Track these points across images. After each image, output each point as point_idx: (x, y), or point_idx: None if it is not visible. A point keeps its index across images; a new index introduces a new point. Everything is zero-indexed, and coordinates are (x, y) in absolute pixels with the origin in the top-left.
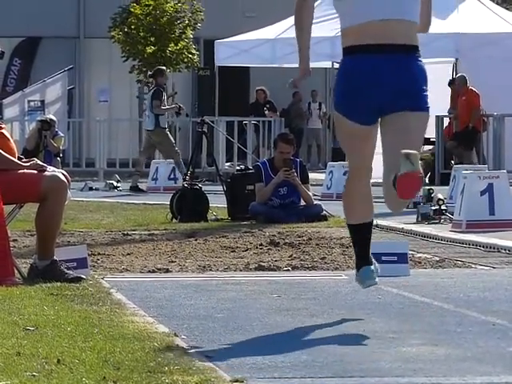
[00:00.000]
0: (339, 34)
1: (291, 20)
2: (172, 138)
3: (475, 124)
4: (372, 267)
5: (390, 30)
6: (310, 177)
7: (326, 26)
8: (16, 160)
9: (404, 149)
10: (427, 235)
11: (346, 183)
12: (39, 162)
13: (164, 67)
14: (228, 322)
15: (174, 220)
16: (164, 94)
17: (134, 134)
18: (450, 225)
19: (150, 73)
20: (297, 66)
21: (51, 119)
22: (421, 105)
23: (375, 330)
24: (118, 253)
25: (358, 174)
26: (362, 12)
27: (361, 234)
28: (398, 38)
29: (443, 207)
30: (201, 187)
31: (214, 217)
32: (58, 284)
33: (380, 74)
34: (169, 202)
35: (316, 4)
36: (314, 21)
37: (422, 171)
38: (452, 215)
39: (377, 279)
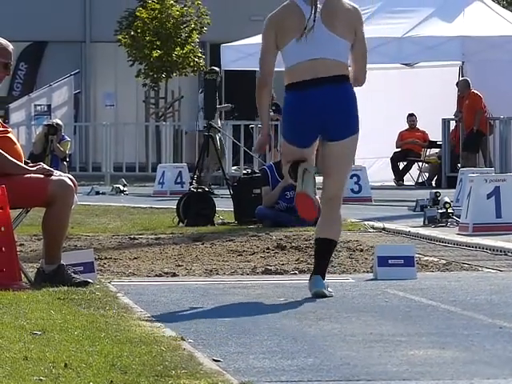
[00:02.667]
0: None
1: None
2: (219, 144)
3: (480, 126)
4: (324, 281)
5: (317, 67)
6: (316, 180)
7: None
8: (22, 164)
9: (329, 172)
10: (434, 238)
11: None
12: (46, 166)
13: (217, 68)
14: (235, 326)
15: (181, 224)
16: (217, 94)
17: (140, 138)
18: (457, 228)
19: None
20: None
21: (57, 123)
22: (350, 131)
23: (382, 333)
24: (124, 257)
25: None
26: (295, 56)
27: (322, 247)
28: (325, 72)
29: (450, 210)
30: (208, 190)
31: (220, 221)
32: (65, 288)
33: (312, 104)
34: (175, 206)
35: None
36: None
37: (311, 195)
38: (459, 218)
39: (327, 293)
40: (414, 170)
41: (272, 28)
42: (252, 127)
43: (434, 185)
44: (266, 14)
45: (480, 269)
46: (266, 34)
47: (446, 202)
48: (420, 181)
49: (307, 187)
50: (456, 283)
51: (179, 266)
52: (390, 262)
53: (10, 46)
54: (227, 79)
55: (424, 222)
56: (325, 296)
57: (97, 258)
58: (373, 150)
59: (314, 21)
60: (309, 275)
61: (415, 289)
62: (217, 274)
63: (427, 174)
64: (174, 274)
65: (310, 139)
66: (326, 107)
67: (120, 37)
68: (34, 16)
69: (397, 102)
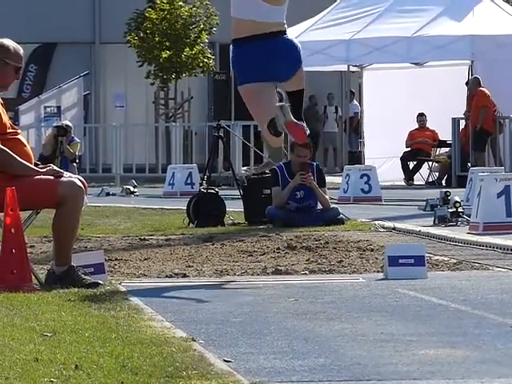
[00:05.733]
0: (354, 36)
1: (305, 24)
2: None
3: (484, 124)
4: None
5: (262, 26)
6: (326, 180)
7: (341, 29)
8: (32, 166)
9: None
10: (444, 237)
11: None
12: (55, 167)
13: None
14: (246, 327)
15: (191, 225)
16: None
17: (150, 139)
18: (467, 227)
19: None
20: (312, 69)
21: (67, 125)
22: (296, 67)
23: (393, 332)
24: (135, 258)
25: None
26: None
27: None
28: (266, 29)
29: (460, 209)
30: (217, 192)
31: (230, 221)
32: (76, 290)
33: (259, 53)
34: (186, 207)
35: (330, 8)
36: (328, 24)
37: (297, 121)
38: (469, 217)
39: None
40: (424, 170)
41: None
42: None
43: (444, 184)
44: None
45: (490, 268)
46: None
47: (456, 202)
48: (430, 180)
49: (290, 116)
50: (466, 282)
51: (189, 266)
52: (400, 261)
53: (21, 50)
54: (236, 80)
55: (434, 221)
56: None
57: (107, 259)
58: (382, 150)
59: None
60: (319, 275)
61: (426, 288)
62: (227, 274)
63: (437, 174)
64: (185, 275)
65: (265, 75)
66: (270, 56)
67: (129, 38)
68: (44, 17)
69: (406, 101)
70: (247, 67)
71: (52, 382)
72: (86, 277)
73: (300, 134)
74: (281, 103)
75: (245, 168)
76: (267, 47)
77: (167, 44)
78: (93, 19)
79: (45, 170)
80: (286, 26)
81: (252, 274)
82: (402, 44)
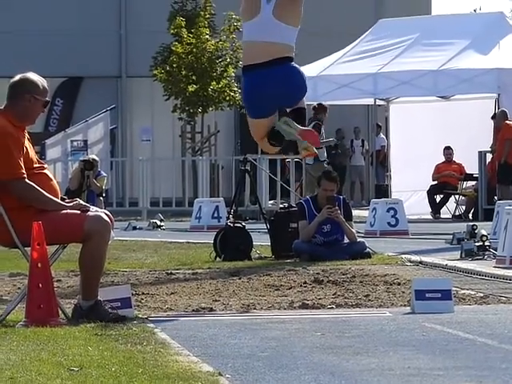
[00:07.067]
0: (381, 70)
1: (333, 57)
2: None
3: (508, 157)
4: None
5: (267, 50)
6: (353, 214)
7: (367, 63)
8: (59, 200)
9: None
10: (471, 271)
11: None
12: (82, 202)
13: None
14: (272, 361)
15: (218, 259)
16: (322, 127)
17: (177, 173)
18: (494, 261)
19: (314, 105)
20: (339, 103)
21: (94, 159)
22: (302, 95)
23: (420, 367)
24: (161, 292)
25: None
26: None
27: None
28: (268, 55)
29: (487, 243)
30: (244, 225)
31: (257, 255)
32: (102, 324)
33: (263, 85)
34: (212, 241)
35: (356, 41)
36: (354, 57)
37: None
38: (496, 251)
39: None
40: (451, 203)
41: None
42: (288, 161)
43: (470, 217)
44: (300, 49)
45: None
46: None
47: (483, 235)
48: (457, 214)
49: (297, 126)
50: (493, 316)
51: (216, 300)
52: (427, 295)
53: (46, 83)
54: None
55: (461, 255)
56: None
57: (134, 293)
58: (409, 183)
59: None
60: (346, 309)
61: (452, 322)
62: (254, 308)
63: (464, 207)
64: (211, 309)
65: (273, 108)
66: (276, 86)
67: (156, 72)
68: (70, 51)
69: (433, 134)
70: (253, 101)
71: None
72: (112, 311)
73: (315, 138)
74: (282, 119)
75: (271, 202)
76: (272, 75)
77: (193, 78)
78: (119, 53)
79: (71, 204)
80: (294, 52)
81: (279, 309)
82: (429, 77)
